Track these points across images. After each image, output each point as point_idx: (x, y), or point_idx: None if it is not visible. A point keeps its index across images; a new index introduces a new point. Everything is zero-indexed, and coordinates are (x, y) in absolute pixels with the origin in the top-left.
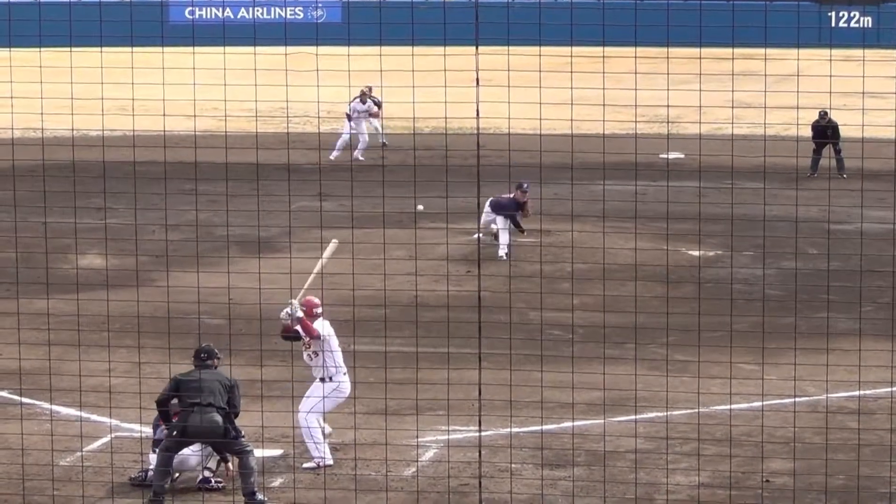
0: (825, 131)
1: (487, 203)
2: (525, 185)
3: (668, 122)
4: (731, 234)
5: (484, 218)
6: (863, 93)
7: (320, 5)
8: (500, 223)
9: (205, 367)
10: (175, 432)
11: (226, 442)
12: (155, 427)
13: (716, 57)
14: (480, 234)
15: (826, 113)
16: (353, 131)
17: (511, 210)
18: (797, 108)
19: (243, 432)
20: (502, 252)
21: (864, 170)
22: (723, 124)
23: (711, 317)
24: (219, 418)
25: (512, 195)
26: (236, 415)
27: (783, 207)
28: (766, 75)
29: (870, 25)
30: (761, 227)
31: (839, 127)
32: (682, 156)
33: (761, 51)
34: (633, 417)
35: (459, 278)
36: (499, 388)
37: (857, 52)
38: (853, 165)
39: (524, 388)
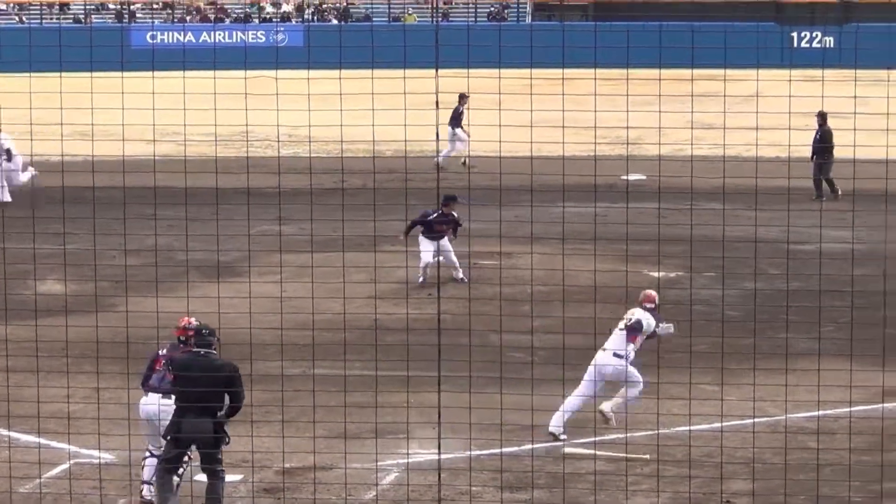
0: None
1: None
2: (458, 199)
3: (626, 144)
4: (690, 255)
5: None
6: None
7: (282, 29)
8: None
9: (204, 347)
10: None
11: (212, 454)
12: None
13: (678, 78)
14: (440, 258)
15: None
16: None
17: (441, 227)
18: (756, 128)
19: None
20: (460, 273)
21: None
22: (683, 145)
23: (672, 337)
24: (211, 424)
25: (439, 210)
26: (236, 410)
27: (744, 228)
28: (724, 96)
29: (832, 45)
30: (720, 248)
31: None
32: (644, 177)
33: (723, 72)
34: (592, 439)
35: (420, 301)
36: (459, 411)
37: (819, 73)
38: (806, 186)
39: (484, 410)
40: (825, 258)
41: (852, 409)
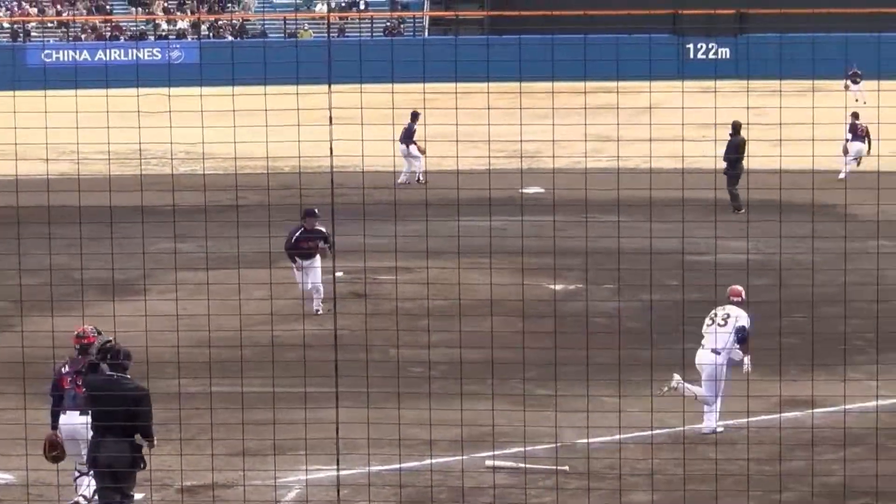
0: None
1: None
2: (315, 210)
3: (521, 157)
4: (586, 267)
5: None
6: (715, 123)
7: (177, 46)
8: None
9: (118, 370)
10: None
11: (127, 476)
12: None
13: (575, 91)
14: (340, 273)
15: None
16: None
17: (308, 244)
18: (650, 140)
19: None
20: (318, 305)
21: (717, 200)
22: (581, 158)
23: (572, 350)
24: (128, 447)
25: (301, 227)
26: (145, 435)
27: (643, 240)
28: (617, 108)
29: (728, 56)
30: (621, 259)
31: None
32: (542, 190)
33: (620, 83)
34: (491, 453)
35: (319, 317)
36: (359, 427)
37: (716, 83)
38: (705, 196)
39: (385, 425)
40: (725, 269)
41: (752, 419)
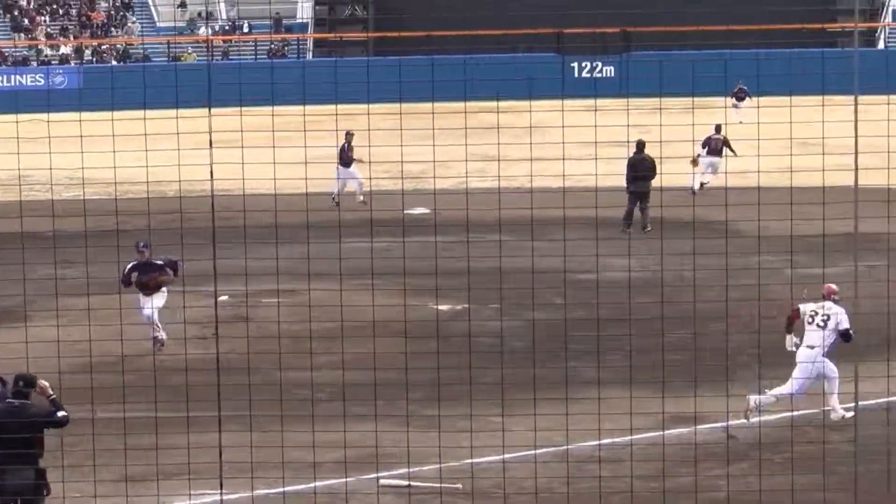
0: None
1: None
2: (140, 244)
3: (402, 179)
4: (468, 287)
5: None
6: (596, 141)
7: (60, 72)
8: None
9: (20, 398)
10: None
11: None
12: None
13: (459, 111)
14: (225, 297)
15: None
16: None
17: (151, 278)
18: (529, 159)
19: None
20: (160, 334)
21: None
22: (468, 178)
23: (458, 370)
24: (32, 475)
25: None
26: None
27: (529, 259)
28: (498, 128)
29: (612, 75)
30: (507, 279)
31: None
32: (427, 211)
33: (506, 103)
34: (376, 475)
35: (204, 341)
36: (244, 450)
37: (600, 102)
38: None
39: (270, 448)
40: (609, 287)
41: (638, 436)
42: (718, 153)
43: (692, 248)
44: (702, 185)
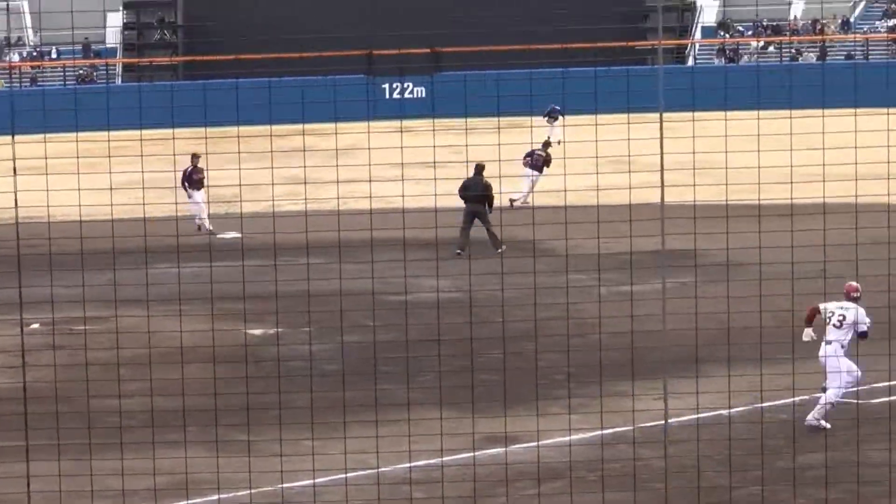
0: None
1: None
2: None
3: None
4: (276, 311)
5: None
6: (402, 162)
7: None
8: None
9: None
10: None
11: None
12: None
13: (266, 134)
14: (36, 325)
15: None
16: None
17: None
18: (336, 181)
19: None
20: None
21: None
22: (279, 201)
23: (270, 395)
24: None
25: None
26: None
27: (339, 282)
28: (304, 150)
29: (423, 96)
30: (318, 302)
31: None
32: (238, 235)
33: (316, 125)
34: (186, 502)
35: (11, 370)
36: (53, 480)
37: (412, 123)
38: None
39: (81, 477)
40: (419, 308)
41: (448, 458)
42: (539, 169)
43: (509, 268)
44: (511, 202)
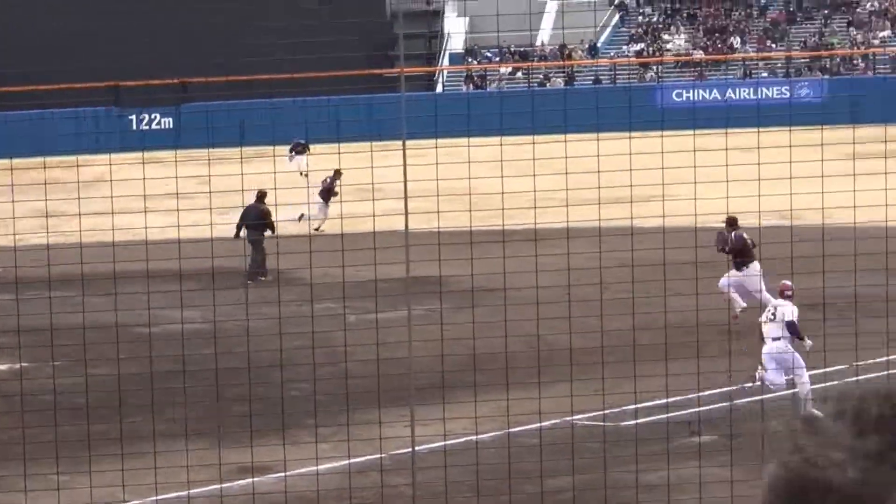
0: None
1: None
2: None
3: None
4: (19, 345)
5: None
6: (144, 194)
7: None
8: None
9: None
10: None
11: None
12: None
13: (19, 168)
14: None
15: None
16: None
17: None
18: (78, 214)
19: None
20: None
21: (155, 271)
22: (25, 234)
23: (18, 430)
24: None
25: None
26: None
27: (89, 315)
28: (45, 183)
29: (171, 126)
30: (67, 335)
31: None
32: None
33: (62, 158)
34: None
35: None
36: None
37: (161, 154)
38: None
39: None
40: (167, 339)
41: (196, 490)
42: (326, 197)
43: (255, 298)
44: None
